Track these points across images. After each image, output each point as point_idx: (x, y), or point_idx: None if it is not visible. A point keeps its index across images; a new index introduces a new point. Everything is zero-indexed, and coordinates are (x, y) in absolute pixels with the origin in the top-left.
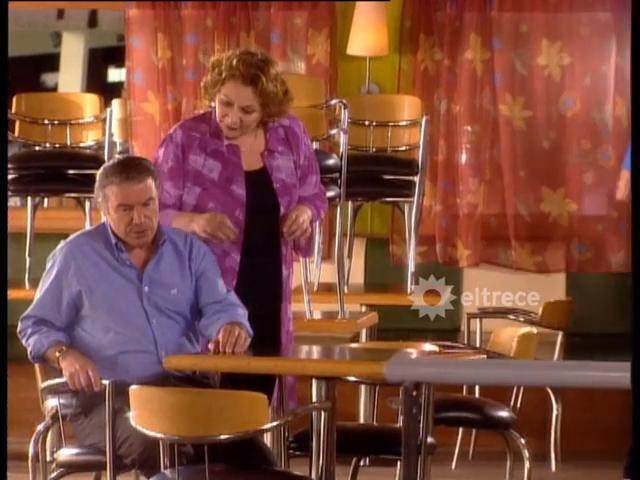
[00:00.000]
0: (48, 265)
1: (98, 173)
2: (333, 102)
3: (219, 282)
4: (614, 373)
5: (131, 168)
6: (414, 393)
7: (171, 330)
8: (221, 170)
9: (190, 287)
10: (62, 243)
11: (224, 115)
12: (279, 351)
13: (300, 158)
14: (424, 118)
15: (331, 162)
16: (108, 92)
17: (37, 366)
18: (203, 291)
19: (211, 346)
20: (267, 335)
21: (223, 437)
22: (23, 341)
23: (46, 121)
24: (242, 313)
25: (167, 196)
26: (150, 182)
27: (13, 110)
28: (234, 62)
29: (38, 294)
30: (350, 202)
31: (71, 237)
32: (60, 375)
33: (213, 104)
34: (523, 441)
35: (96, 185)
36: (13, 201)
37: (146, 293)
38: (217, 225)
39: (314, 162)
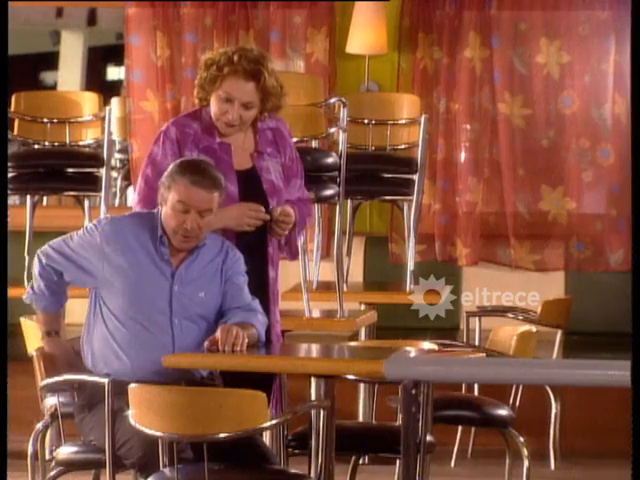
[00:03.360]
0: (88, 228)
1: (176, 163)
2: (332, 100)
3: (245, 289)
4: (614, 372)
5: (206, 175)
6: (413, 391)
7: (191, 333)
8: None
9: (219, 293)
10: (108, 217)
11: (223, 112)
12: (277, 350)
13: (286, 159)
14: (423, 116)
15: (330, 160)
16: (107, 90)
17: (36, 364)
18: (227, 295)
19: (206, 344)
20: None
21: (222, 435)
22: (36, 268)
23: (45, 119)
24: (261, 319)
25: None
26: (216, 196)
27: (12, 108)
28: (235, 58)
29: (69, 241)
30: (349, 200)
31: (120, 216)
32: (61, 373)
33: (204, 102)
34: (522, 439)
35: (169, 171)
36: (12, 199)
37: (176, 292)
38: (243, 216)
39: (299, 165)
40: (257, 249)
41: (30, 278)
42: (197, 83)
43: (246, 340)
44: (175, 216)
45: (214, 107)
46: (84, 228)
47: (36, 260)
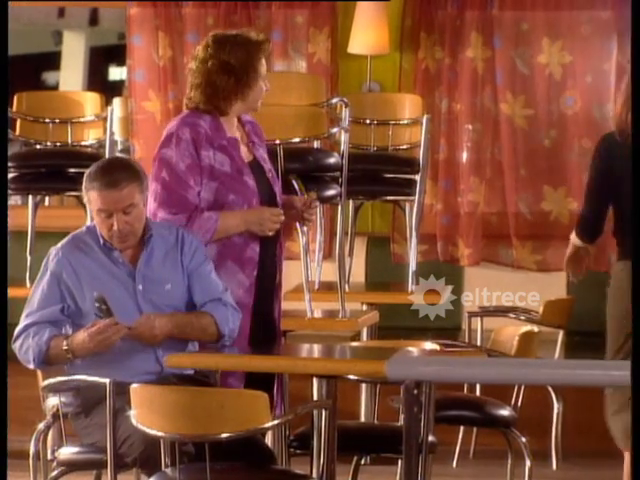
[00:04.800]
0: (40, 272)
1: (87, 173)
2: (334, 101)
3: (213, 278)
4: (614, 372)
5: (113, 173)
6: (415, 392)
7: None
8: (230, 163)
9: (183, 281)
10: (52, 250)
11: (263, 92)
12: (279, 349)
13: (265, 150)
14: (425, 117)
15: (332, 161)
16: (109, 90)
17: None
18: (196, 289)
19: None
20: (269, 330)
21: (224, 436)
22: (20, 353)
23: (47, 120)
24: (230, 313)
25: (193, 194)
26: (133, 188)
27: (14, 109)
28: (261, 36)
29: (32, 299)
30: (351, 201)
31: (62, 242)
32: (63, 373)
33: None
34: (524, 440)
35: (83, 184)
36: (14, 199)
37: (140, 291)
38: (266, 221)
39: None
40: (273, 240)
41: (31, 278)
42: (245, 80)
43: (119, 333)
44: (102, 223)
45: (258, 93)
46: (37, 280)
47: (20, 342)
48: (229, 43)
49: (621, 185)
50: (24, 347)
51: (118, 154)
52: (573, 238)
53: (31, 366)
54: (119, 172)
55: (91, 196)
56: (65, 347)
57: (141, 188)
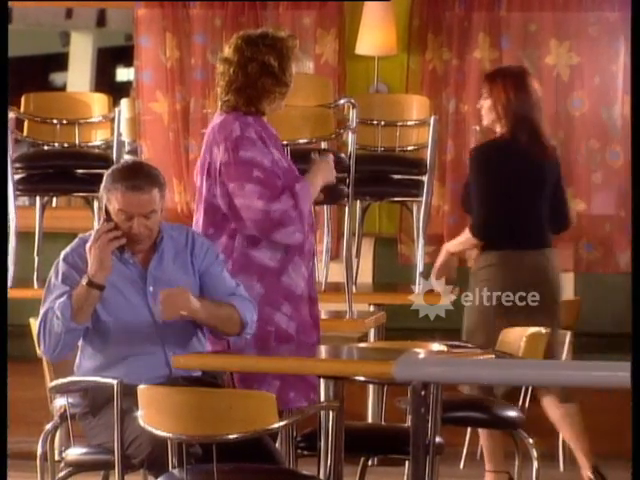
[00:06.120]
0: (51, 275)
1: (106, 173)
2: (341, 102)
3: (225, 276)
4: (615, 373)
5: (139, 177)
6: (422, 393)
7: (178, 329)
8: (284, 159)
9: (194, 283)
10: (62, 253)
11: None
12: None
13: None
14: (432, 118)
15: (339, 162)
16: (117, 91)
17: (45, 365)
18: (209, 288)
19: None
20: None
21: (231, 436)
22: (45, 330)
23: (55, 120)
24: (248, 305)
25: (279, 175)
26: (155, 193)
27: (22, 109)
28: (286, 33)
29: (47, 297)
30: (358, 202)
31: (71, 245)
32: (71, 373)
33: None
34: (531, 441)
35: (102, 184)
36: (22, 200)
37: (151, 293)
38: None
39: None
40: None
41: (39, 279)
42: (284, 79)
43: (183, 307)
44: (120, 225)
45: (283, 101)
46: (48, 282)
47: (43, 320)
48: (263, 44)
49: (505, 187)
50: (48, 323)
51: (126, 155)
52: (446, 245)
53: (60, 329)
54: (144, 176)
55: (113, 195)
56: (84, 282)
57: (162, 194)
